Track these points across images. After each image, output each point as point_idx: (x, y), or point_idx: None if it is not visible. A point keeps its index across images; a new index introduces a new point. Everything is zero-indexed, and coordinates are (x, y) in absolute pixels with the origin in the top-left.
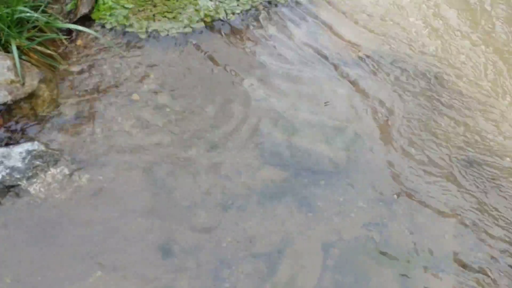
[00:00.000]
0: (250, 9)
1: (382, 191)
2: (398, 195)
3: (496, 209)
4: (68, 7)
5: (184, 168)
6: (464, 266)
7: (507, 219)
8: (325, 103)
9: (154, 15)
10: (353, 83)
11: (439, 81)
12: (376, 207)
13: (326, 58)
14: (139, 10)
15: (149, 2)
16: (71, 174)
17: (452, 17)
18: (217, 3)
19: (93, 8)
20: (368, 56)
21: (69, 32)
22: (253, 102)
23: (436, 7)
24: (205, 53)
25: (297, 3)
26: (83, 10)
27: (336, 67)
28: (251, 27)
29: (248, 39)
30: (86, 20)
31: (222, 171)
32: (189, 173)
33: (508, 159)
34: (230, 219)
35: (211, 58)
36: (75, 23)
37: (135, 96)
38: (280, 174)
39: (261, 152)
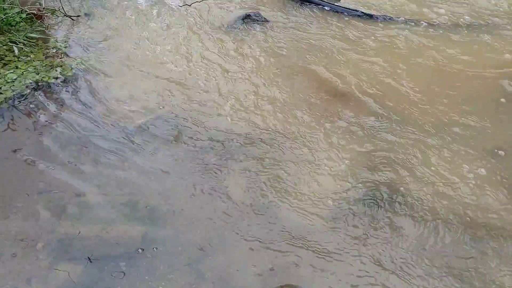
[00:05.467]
0: (15, 96)
1: (190, 256)
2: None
3: None
4: None
5: None
6: None
7: None
8: None
9: None
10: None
11: None
12: (185, 275)
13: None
14: None
15: None
16: None
17: None
18: None
19: None
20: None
21: None
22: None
23: None
24: None
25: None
26: None
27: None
28: (18, 118)
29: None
30: None
31: (4, 284)
32: None
33: None
34: None
35: None
36: None
37: None
38: (75, 269)
39: (50, 251)
